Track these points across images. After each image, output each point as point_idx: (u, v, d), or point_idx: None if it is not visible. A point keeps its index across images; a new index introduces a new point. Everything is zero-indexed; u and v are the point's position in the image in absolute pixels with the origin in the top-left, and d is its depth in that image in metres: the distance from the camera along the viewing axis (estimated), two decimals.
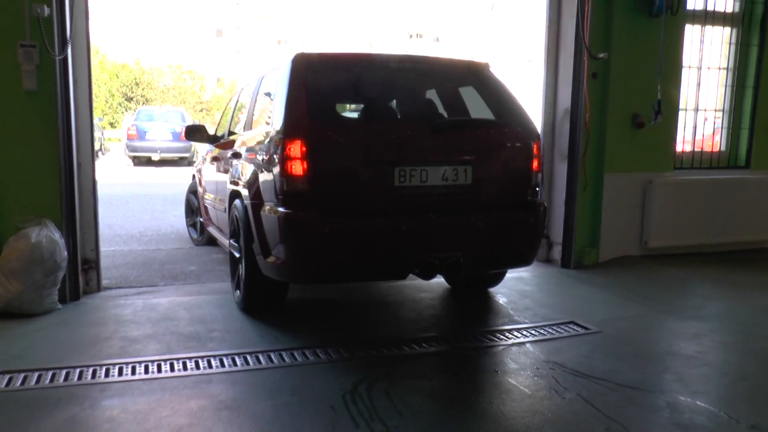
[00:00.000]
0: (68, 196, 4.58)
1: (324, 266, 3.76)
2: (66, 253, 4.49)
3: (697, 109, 6.56)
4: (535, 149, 4.23)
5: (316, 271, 3.80)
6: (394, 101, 4.87)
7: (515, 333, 4.10)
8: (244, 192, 4.36)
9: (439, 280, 5.27)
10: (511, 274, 5.61)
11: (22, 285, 4.24)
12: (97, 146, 15.75)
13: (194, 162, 13.41)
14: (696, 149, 6.57)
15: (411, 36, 78.10)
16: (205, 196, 6.40)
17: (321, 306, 4.71)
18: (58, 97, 4.42)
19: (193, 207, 7.33)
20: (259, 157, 4.15)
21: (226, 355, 3.62)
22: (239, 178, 4.57)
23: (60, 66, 4.41)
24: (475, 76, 4.47)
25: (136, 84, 28.04)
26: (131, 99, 27.00)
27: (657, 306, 4.72)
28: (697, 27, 6.34)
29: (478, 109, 4.52)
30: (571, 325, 4.26)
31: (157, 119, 18.76)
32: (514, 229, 4.18)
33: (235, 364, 3.50)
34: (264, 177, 4.02)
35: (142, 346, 3.75)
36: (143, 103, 26.38)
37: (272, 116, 4.06)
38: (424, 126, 3.98)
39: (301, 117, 3.76)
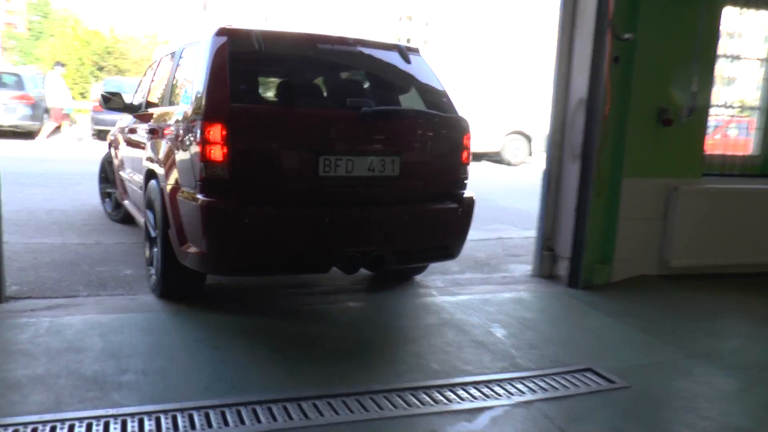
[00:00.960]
0: None
1: (243, 258, 3.62)
2: None
3: (727, 106, 5.66)
4: (464, 140, 4.13)
5: (235, 262, 3.66)
6: (323, 86, 4.48)
7: (519, 385, 3.18)
8: (161, 172, 4.12)
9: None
10: (510, 295, 4.72)
11: None
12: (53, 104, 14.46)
13: None
14: (724, 152, 5.67)
15: (400, 18, 76.97)
16: (121, 170, 6.00)
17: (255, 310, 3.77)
18: None
19: (109, 178, 6.79)
20: (177, 138, 3.87)
21: (131, 415, 2.66)
22: (155, 157, 4.28)
23: None
24: (407, 59, 4.24)
25: (108, 53, 26.61)
26: (102, 68, 25.62)
27: (689, 347, 3.83)
28: (735, 10, 5.42)
29: (408, 97, 4.33)
30: (588, 375, 3.35)
31: (127, 91, 17.58)
32: (441, 223, 4.11)
33: (141, 430, 2.55)
34: (181, 160, 3.78)
35: (21, 397, 2.77)
36: (115, 74, 25.03)
37: (192, 94, 3.77)
38: (352, 114, 3.75)
39: (222, 99, 3.54)
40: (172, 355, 3.32)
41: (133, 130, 5.42)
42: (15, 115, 13.25)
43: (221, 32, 3.79)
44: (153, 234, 4.28)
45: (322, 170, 3.67)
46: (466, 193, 4.22)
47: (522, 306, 4.48)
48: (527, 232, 6.68)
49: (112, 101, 5.53)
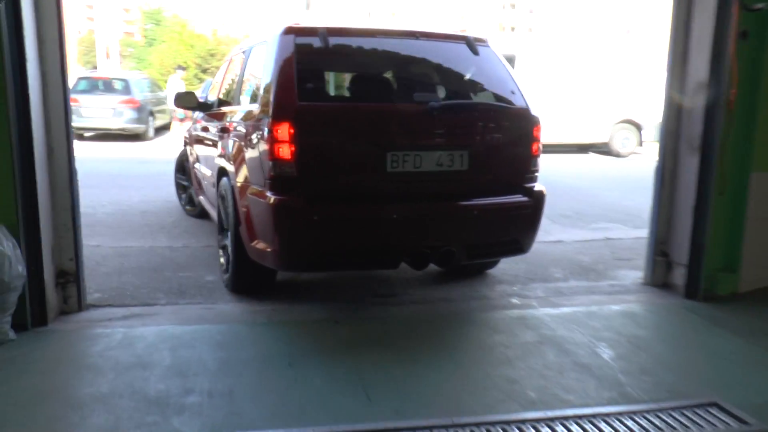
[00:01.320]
0: (26, 192, 3.51)
1: (311, 255, 3.64)
2: (21, 268, 3.43)
3: None
4: (534, 132, 3.99)
5: (303, 259, 3.68)
6: (389, 80, 4.35)
7: (629, 422, 2.71)
8: (231, 170, 4.22)
9: None
10: (618, 307, 4.19)
11: None
12: (163, 122, 15.11)
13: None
14: None
15: (503, 6, 75.29)
16: (196, 166, 6.07)
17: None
18: (6, 54, 3.30)
19: (185, 174, 6.96)
20: (247, 137, 3.93)
21: None
22: (227, 156, 4.39)
23: (7, 12, 3.28)
24: (476, 53, 4.09)
25: (211, 55, 27.50)
26: (206, 71, 26.50)
27: None
28: None
29: (476, 89, 4.20)
30: (713, 411, 2.82)
31: None
32: (511, 217, 4.00)
33: None
34: (251, 158, 3.83)
35: (80, 419, 2.63)
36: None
37: (260, 94, 3.83)
38: (419, 108, 3.68)
39: (289, 97, 3.55)
40: (242, 374, 3.09)
41: (205, 128, 5.49)
42: (122, 119, 13.82)
43: (288, 31, 3.81)
44: (224, 226, 4.39)
45: (390, 166, 3.64)
46: (537, 187, 4.08)
47: (632, 321, 3.94)
48: (638, 231, 6.04)
49: (184, 100, 5.64)
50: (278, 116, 3.51)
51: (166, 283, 4.61)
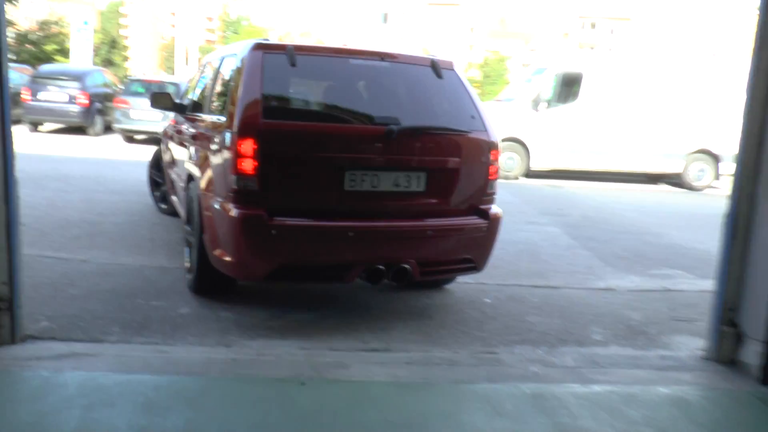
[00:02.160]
0: None
1: (269, 266, 3.73)
2: None
3: None
4: (492, 156, 4.14)
5: (261, 270, 3.77)
6: (352, 101, 4.27)
7: None
8: (197, 179, 4.37)
9: None
10: (667, 390, 3.31)
11: None
12: None
13: None
14: None
15: (583, 26, 73.44)
16: (170, 166, 6.13)
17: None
18: None
19: (155, 178, 7.04)
20: (212, 148, 4.07)
21: None
22: (195, 162, 4.54)
23: None
24: (440, 76, 4.17)
25: None
26: None
27: None
28: None
29: (439, 110, 4.27)
30: None
31: None
32: (466, 238, 4.13)
33: None
34: (216, 170, 3.98)
35: None
36: None
37: (227, 107, 4.00)
38: (378, 130, 3.81)
39: (254, 114, 3.68)
40: None
41: (179, 131, 5.61)
42: None
43: (257, 47, 3.93)
44: (190, 238, 4.50)
45: (347, 185, 3.78)
46: (493, 209, 4.21)
47: (684, 413, 3.03)
48: (705, 282, 5.02)
49: (160, 100, 5.68)
50: (243, 132, 3.63)
51: (132, 313, 3.99)
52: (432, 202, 4.02)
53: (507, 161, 12.30)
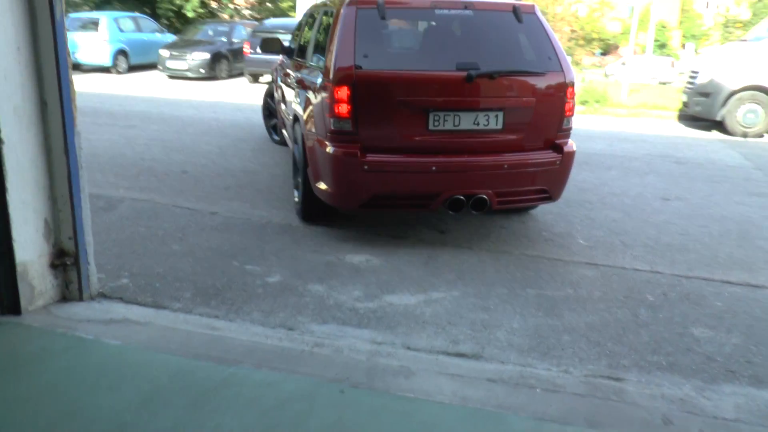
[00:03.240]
0: None
1: (363, 197, 4.23)
2: None
3: None
4: (567, 94, 4.41)
5: (356, 200, 4.28)
6: (436, 49, 4.55)
7: None
8: (302, 119, 4.82)
9: None
10: None
11: None
12: None
13: None
14: None
15: None
16: (280, 104, 6.72)
17: None
18: None
19: (270, 108, 7.70)
20: (314, 93, 4.52)
21: None
22: (299, 104, 5.02)
23: None
24: (520, 20, 4.45)
25: None
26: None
27: None
28: None
29: (517, 53, 4.48)
30: None
31: None
32: (540, 170, 4.43)
33: None
34: (316, 113, 4.45)
35: None
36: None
37: (325, 56, 4.38)
38: (459, 75, 4.15)
39: (348, 64, 4.09)
40: None
41: (287, 73, 6.13)
42: None
43: (351, 2, 4.28)
44: (296, 165, 5.08)
45: (431, 125, 4.20)
46: (568, 144, 4.49)
47: None
48: None
49: (270, 45, 6.36)
50: (338, 81, 4.08)
51: (216, 277, 3.70)
52: (509, 138, 4.36)
53: (747, 115, 10.08)
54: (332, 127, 4.13)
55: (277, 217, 4.93)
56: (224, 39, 16.55)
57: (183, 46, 16.10)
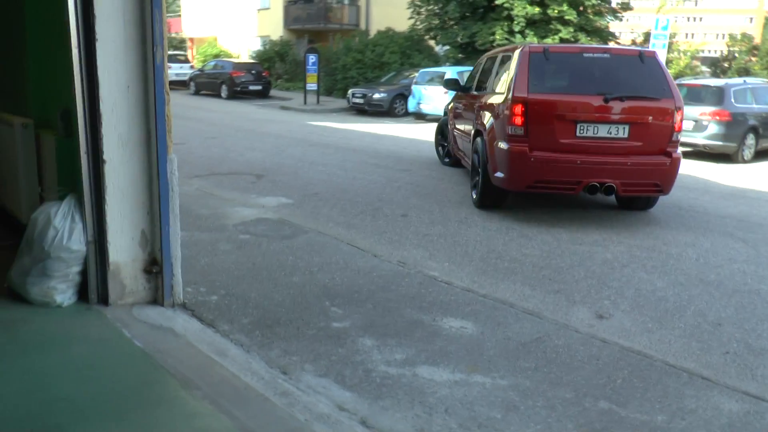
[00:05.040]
0: (92, 162, 3.50)
1: (529, 181, 6.11)
2: (78, 243, 3.52)
3: None
4: (677, 115, 6.11)
5: (523, 184, 6.17)
6: (584, 80, 6.40)
7: None
8: (485, 131, 6.69)
9: None
10: None
11: (17, 263, 3.62)
12: None
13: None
14: None
15: None
16: (454, 129, 8.82)
17: None
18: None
19: (444, 134, 9.77)
20: (497, 111, 6.42)
21: None
22: (482, 122, 6.86)
23: None
24: (643, 62, 6.31)
25: None
26: None
27: None
28: None
29: (640, 84, 6.28)
30: None
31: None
32: (654, 170, 6.16)
33: None
34: (498, 124, 6.36)
35: None
36: None
37: (507, 86, 6.29)
38: (599, 98, 6.02)
39: (523, 89, 6.05)
40: None
41: (466, 105, 8.13)
42: (704, 134, 11.74)
43: (525, 48, 6.36)
44: (477, 170, 6.90)
45: (578, 132, 6.03)
46: (676, 152, 6.21)
47: None
48: None
49: (451, 84, 8.95)
50: (517, 100, 6.01)
51: (289, 318, 3.78)
52: (632, 144, 6.07)
53: None
54: (509, 132, 6.07)
55: (437, 270, 4.78)
56: None
57: None
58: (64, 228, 3.49)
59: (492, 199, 6.63)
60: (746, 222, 6.81)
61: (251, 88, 23.45)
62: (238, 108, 19.65)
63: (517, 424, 2.66)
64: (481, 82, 7.84)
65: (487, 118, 6.66)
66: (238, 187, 7.48)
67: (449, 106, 9.44)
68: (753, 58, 28.81)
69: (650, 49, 6.63)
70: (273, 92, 25.07)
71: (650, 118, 6.02)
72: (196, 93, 25.23)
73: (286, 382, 2.90)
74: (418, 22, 24.03)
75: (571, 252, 5.40)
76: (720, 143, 11.84)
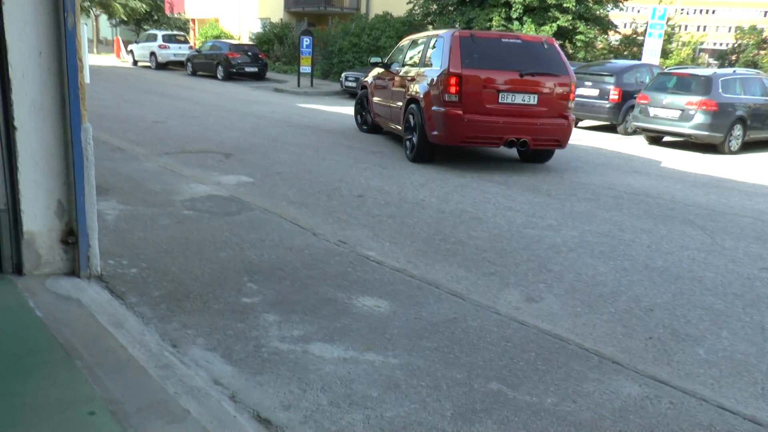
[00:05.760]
0: (4, 128, 3.44)
1: (461, 137, 7.99)
2: None
3: None
4: (572, 89, 8.23)
5: (458, 139, 8.02)
6: (504, 59, 8.14)
7: None
8: (420, 99, 8.36)
9: None
10: None
11: None
12: None
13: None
14: None
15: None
16: (374, 100, 10.54)
17: None
18: None
19: (363, 105, 11.28)
20: (433, 82, 8.11)
21: None
22: (416, 92, 8.54)
23: None
24: (546, 47, 8.34)
25: None
26: None
27: None
28: None
29: (544, 63, 8.21)
30: None
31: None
32: (555, 129, 8.19)
33: None
34: (434, 93, 8.07)
35: None
36: None
37: (441, 62, 8.07)
38: (516, 73, 7.96)
39: (457, 65, 7.79)
40: None
41: (391, 79, 9.74)
42: (689, 123, 11.56)
43: (456, 33, 8.13)
44: (408, 133, 8.68)
45: (501, 99, 7.89)
46: (570, 116, 8.33)
47: None
48: None
49: (377, 64, 10.57)
50: (452, 74, 7.75)
51: (210, 298, 3.74)
52: (540, 109, 8.05)
53: None
54: (446, 99, 7.74)
55: (376, 252, 4.72)
56: None
57: None
58: None
59: (427, 153, 8.41)
60: (710, 210, 6.70)
61: (247, 69, 23.29)
62: (232, 89, 19.53)
63: (391, 402, 2.59)
64: (407, 61, 9.51)
65: (423, 88, 8.35)
66: (203, 165, 7.41)
67: (369, 82, 10.98)
68: (762, 51, 28.41)
69: (548, 37, 8.79)
70: (270, 75, 24.90)
71: (553, 89, 8.05)
72: (193, 74, 25.09)
73: (173, 355, 2.84)
74: (416, 7, 23.83)
75: (521, 236, 5.31)
76: (706, 133, 11.67)
